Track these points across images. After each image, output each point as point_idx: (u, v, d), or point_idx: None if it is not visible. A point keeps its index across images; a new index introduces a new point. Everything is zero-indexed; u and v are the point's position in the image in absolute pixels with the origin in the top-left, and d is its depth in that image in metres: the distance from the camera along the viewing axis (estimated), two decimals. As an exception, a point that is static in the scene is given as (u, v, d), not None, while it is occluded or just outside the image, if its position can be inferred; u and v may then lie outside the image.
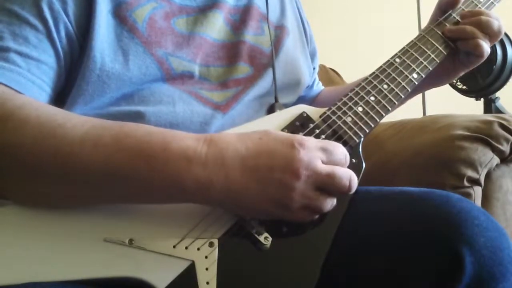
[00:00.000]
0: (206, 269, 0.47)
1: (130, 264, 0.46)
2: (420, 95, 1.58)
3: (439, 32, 0.69)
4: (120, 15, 0.58)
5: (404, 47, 0.68)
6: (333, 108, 0.60)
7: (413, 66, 0.65)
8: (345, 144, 0.57)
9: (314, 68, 0.86)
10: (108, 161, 0.45)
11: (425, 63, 0.66)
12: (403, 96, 0.63)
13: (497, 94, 1.30)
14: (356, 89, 0.62)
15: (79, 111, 0.55)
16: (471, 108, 1.26)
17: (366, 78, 0.64)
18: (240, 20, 0.69)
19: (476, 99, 1.34)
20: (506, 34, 1.20)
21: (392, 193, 0.58)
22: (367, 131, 0.59)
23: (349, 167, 0.51)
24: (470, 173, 0.84)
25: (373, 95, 0.62)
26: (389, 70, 0.64)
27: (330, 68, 1.57)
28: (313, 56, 0.84)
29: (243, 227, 0.49)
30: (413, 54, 0.66)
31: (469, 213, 0.50)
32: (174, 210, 0.49)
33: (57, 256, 0.46)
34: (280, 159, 0.46)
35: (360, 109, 0.60)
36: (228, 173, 0.46)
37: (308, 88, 0.86)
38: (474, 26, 0.68)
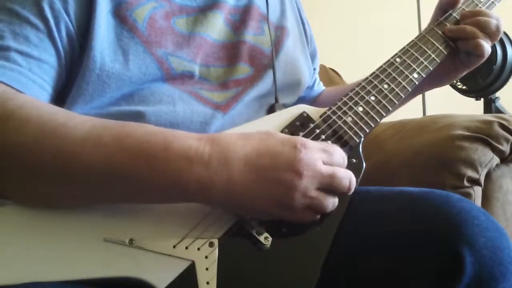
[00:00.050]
0: (206, 269, 0.47)
1: (130, 264, 0.46)
2: (420, 95, 1.58)
3: (440, 32, 0.69)
4: (120, 15, 0.58)
5: (404, 47, 0.68)
6: (334, 108, 0.60)
7: (414, 66, 0.65)
8: (345, 144, 0.57)
9: (314, 69, 0.86)
10: (108, 161, 0.45)
11: (425, 63, 0.66)
12: (403, 96, 0.63)
13: (497, 94, 1.30)
14: (357, 89, 0.62)
15: (79, 111, 0.55)
16: (471, 108, 1.26)
17: (367, 78, 0.64)
18: (240, 20, 0.69)
19: (476, 99, 1.34)
20: (506, 34, 1.20)
21: (392, 193, 0.58)
22: (368, 131, 0.59)
23: (349, 167, 0.52)
24: (470, 173, 0.84)
25: (373, 95, 0.62)
26: (389, 70, 0.64)
27: (330, 68, 1.57)
28: (313, 56, 0.84)
29: (243, 227, 0.49)
30: (414, 54, 0.66)
31: (469, 213, 0.50)
32: (174, 210, 0.49)
33: (57, 256, 0.46)
34: (283, 159, 0.47)
35: (360, 109, 0.60)
36: (230, 173, 0.46)
37: (309, 88, 0.86)
38: (474, 26, 0.68)
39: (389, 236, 0.52)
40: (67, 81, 0.57)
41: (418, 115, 1.58)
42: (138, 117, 0.57)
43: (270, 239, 0.49)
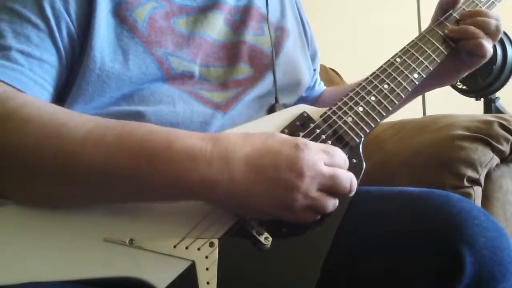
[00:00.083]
0: (207, 269, 0.47)
1: (130, 264, 0.46)
2: (420, 95, 1.58)
3: (440, 32, 0.69)
4: (120, 15, 0.58)
5: (405, 47, 0.68)
6: (334, 108, 0.60)
7: (414, 66, 0.65)
8: (345, 144, 0.57)
9: (315, 70, 0.86)
10: (109, 160, 0.45)
11: (426, 63, 0.66)
12: (403, 96, 0.63)
13: (497, 94, 1.30)
14: (357, 89, 0.62)
15: (79, 111, 0.55)
16: (471, 108, 1.26)
17: (367, 78, 0.64)
18: (240, 20, 0.69)
19: (476, 99, 1.34)
20: (506, 34, 1.20)
21: (392, 193, 0.58)
22: (368, 131, 0.59)
23: (349, 167, 0.52)
24: (470, 173, 0.84)
25: (373, 95, 0.62)
26: (389, 70, 0.64)
27: (330, 68, 1.57)
28: (313, 57, 0.84)
29: (243, 227, 0.49)
30: (414, 54, 0.66)
31: (469, 213, 0.50)
32: (174, 210, 0.49)
33: (57, 256, 0.45)
34: (285, 159, 0.47)
35: (360, 109, 0.60)
36: (232, 172, 0.46)
37: (310, 89, 0.86)
38: (474, 26, 0.68)
39: (389, 236, 0.52)
40: (67, 81, 0.57)
41: (418, 115, 1.58)
42: (138, 117, 0.57)
43: (270, 239, 0.49)
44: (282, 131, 0.57)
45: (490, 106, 1.31)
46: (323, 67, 1.52)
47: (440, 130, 0.90)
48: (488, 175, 0.87)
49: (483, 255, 0.48)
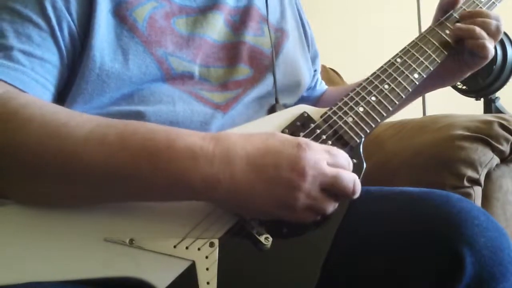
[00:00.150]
0: (207, 269, 0.47)
1: (131, 264, 0.46)
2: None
3: (441, 32, 0.69)
4: (120, 15, 0.58)
5: (405, 47, 0.68)
6: (334, 108, 0.60)
7: (414, 66, 0.65)
8: (346, 144, 0.57)
9: (315, 70, 0.86)
10: (110, 160, 0.45)
11: (426, 63, 0.66)
12: (404, 96, 0.63)
13: (497, 94, 1.30)
14: (357, 89, 0.62)
15: (78, 110, 0.55)
16: (471, 108, 1.26)
17: (367, 78, 0.64)
18: (240, 21, 0.69)
19: (476, 99, 1.34)
20: (506, 34, 1.20)
21: (392, 193, 0.58)
22: (368, 131, 0.59)
23: None
24: (470, 173, 0.84)
25: (374, 95, 0.62)
26: (390, 70, 0.64)
27: (330, 68, 1.57)
28: (314, 58, 0.84)
29: (243, 227, 0.49)
30: (414, 54, 0.66)
31: (469, 213, 0.50)
32: (174, 210, 0.49)
33: (57, 256, 0.45)
34: (287, 159, 0.46)
35: (361, 109, 0.60)
36: (234, 171, 0.46)
37: (311, 89, 0.86)
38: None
39: (389, 236, 0.52)
40: (68, 80, 0.57)
41: (418, 115, 1.58)
42: (138, 117, 0.57)
43: (270, 239, 0.49)
44: (283, 131, 0.57)
45: (490, 106, 1.31)
46: (323, 67, 1.51)
47: (440, 130, 0.90)
48: (488, 175, 0.87)
49: (483, 255, 0.48)
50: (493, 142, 0.85)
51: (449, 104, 1.55)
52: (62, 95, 0.57)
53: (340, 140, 0.57)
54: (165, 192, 0.47)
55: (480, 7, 0.73)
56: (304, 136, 0.57)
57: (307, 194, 0.47)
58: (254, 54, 0.68)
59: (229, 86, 0.65)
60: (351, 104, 0.60)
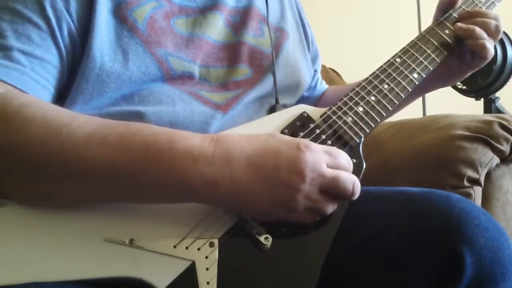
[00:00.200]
0: (207, 269, 0.47)
1: (131, 264, 0.46)
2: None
3: (440, 32, 0.69)
4: (120, 15, 0.58)
5: (405, 47, 0.68)
6: (334, 108, 0.60)
7: (414, 66, 0.65)
8: (345, 144, 0.57)
9: (315, 71, 0.86)
10: (112, 160, 0.45)
11: (425, 63, 0.66)
12: (403, 96, 0.63)
13: (497, 94, 1.30)
14: (357, 89, 0.62)
15: (78, 111, 0.55)
16: (471, 108, 1.26)
17: (367, 78, 0.64)
18: (240, 21, 0.69)
19: (476, 99, 1.34)
20: (506, 34, 1.20)
21: (392, 193, 0.58)
22: (368, 131, 0.59)
23: None
24: (470, 173, 0.84)
25: (373, 95, 0.62)
26: (389, 70, 0.64)
27: (330, 68, 1.57)
28: (314, 58, 0.84)
29: (243, 227, 0.49)
30: (414, 54, 0.66)
31: (470, 213, 0.50)
32: (174, 210, 0.49)
33: (58, 256, 0.45)
34: (286, 160, 0.47)
35: (360, 109, 0.60)
36: (234, 172, 0.46)
37: (312, 88, 0.86)
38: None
39: (389, 236, 0.52)
40: (68, 81, 0.57)
41: (418, 115, 1.58)
42: (138, 117, 0.57)
43: (270, 239, 0.49)
44: (282, 131, 0.57)
45: (490, 106, 1.31)
46: (323, 67, 1.52)
47: (440, 130, 0.90)
48: (488, 175, 0.87)
49: (483, 255, 0.48)
50: (493, 142, 0.85)
51: (449, 104, 1.55)
52: (62, 95, 0.57)
53: (340, 140, 0.57)
54: (166, 193, 0.47)
55: (480, 7, 0.73)
56: (304, 136, 0.57)
57: (306, 195, 0.47)
58: (254, 55, 0.68)
59: (229, 86, 0.65)
60: (350, 104, 0.60)
